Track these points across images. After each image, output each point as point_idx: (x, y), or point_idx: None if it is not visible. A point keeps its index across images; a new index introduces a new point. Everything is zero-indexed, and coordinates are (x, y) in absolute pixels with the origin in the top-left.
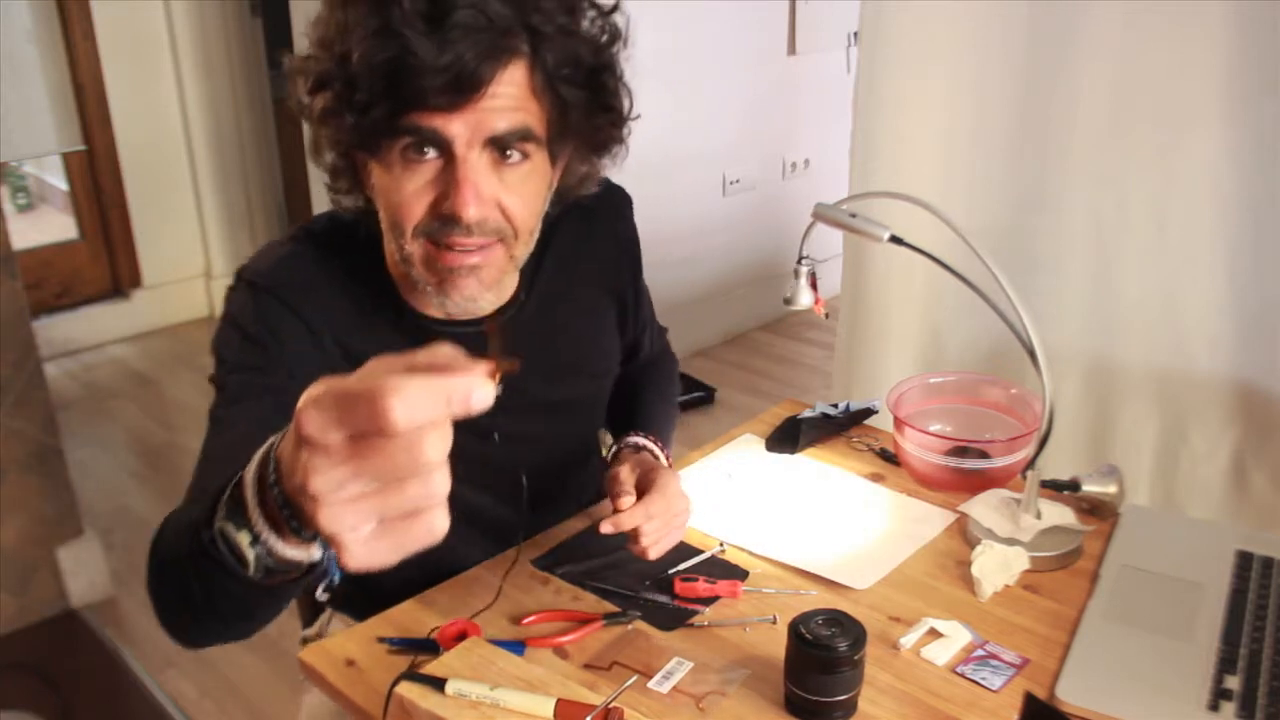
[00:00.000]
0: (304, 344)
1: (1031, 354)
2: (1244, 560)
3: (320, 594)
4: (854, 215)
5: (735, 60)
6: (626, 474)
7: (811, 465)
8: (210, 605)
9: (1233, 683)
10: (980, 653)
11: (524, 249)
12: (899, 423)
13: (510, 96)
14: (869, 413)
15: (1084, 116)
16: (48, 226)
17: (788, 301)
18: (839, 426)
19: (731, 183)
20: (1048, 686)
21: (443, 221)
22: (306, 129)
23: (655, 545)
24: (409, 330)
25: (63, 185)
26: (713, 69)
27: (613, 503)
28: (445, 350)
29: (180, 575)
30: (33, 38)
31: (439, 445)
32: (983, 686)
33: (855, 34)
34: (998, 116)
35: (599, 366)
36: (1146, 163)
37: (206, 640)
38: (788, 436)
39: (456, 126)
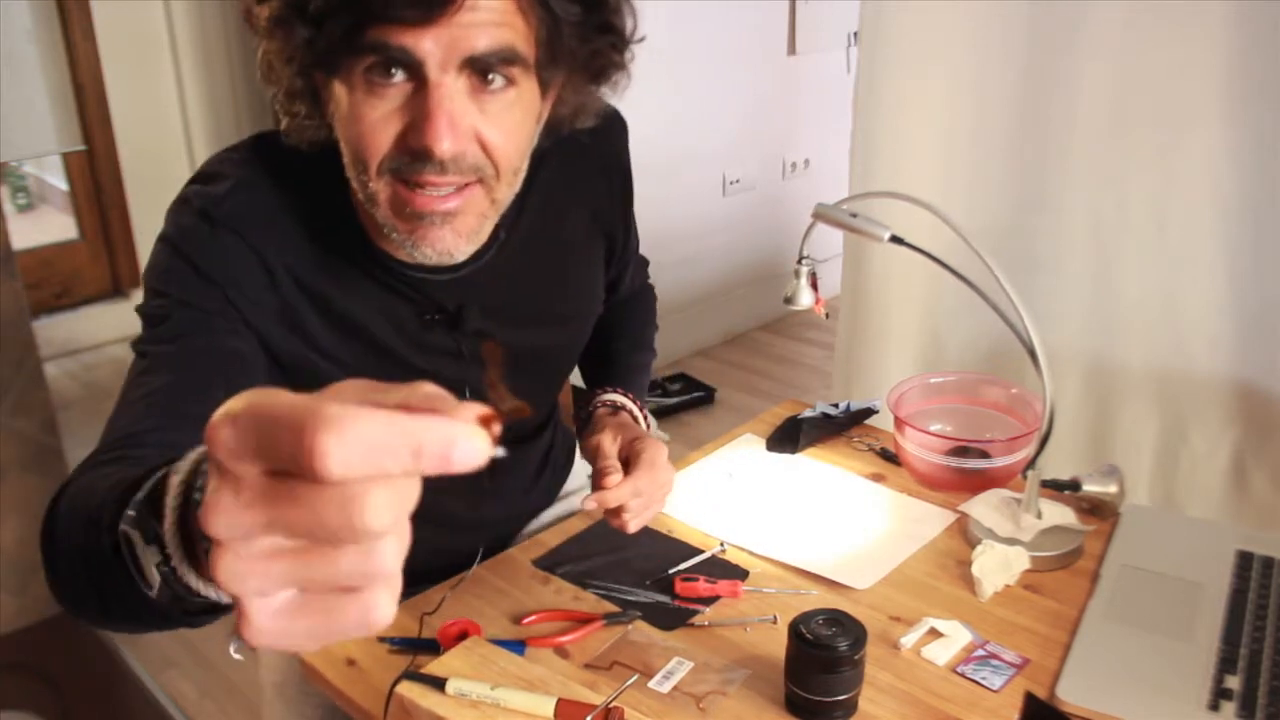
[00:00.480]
0: (262, 290)
1: (1032, 354)
2: (1244, 560)
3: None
4: (854, 215)
5: (735, 60)
6: (610, 445)
7: (812, 465)
8: (104, 604)
9: (1233, 682)
10: (981, 652)
11: (507, 190)
12: (899, 422)
13: (493, 10)
14: (869, 413)
15: (1084, 116)
16: (48, 226)
17: (788, 301)
18: (839, 426)
19: (731, 183)
20: (1048, 686)
21: (413, 157)
22: (260, 46)
23: (637, 519)
24: (378, 278)
25: (63, 185)
26: (713, 69)
27: (599, 478)
28: (427, 389)
29: (74, 559)
30: (33, 38)
31: (388, 507)
32: (983, 686)
33: (855, 34)
34: (998, 116)
35: (582, 309)
36: (1146, 163)
37: (113, 629)
38: (788, 436)
39: (428, 44)
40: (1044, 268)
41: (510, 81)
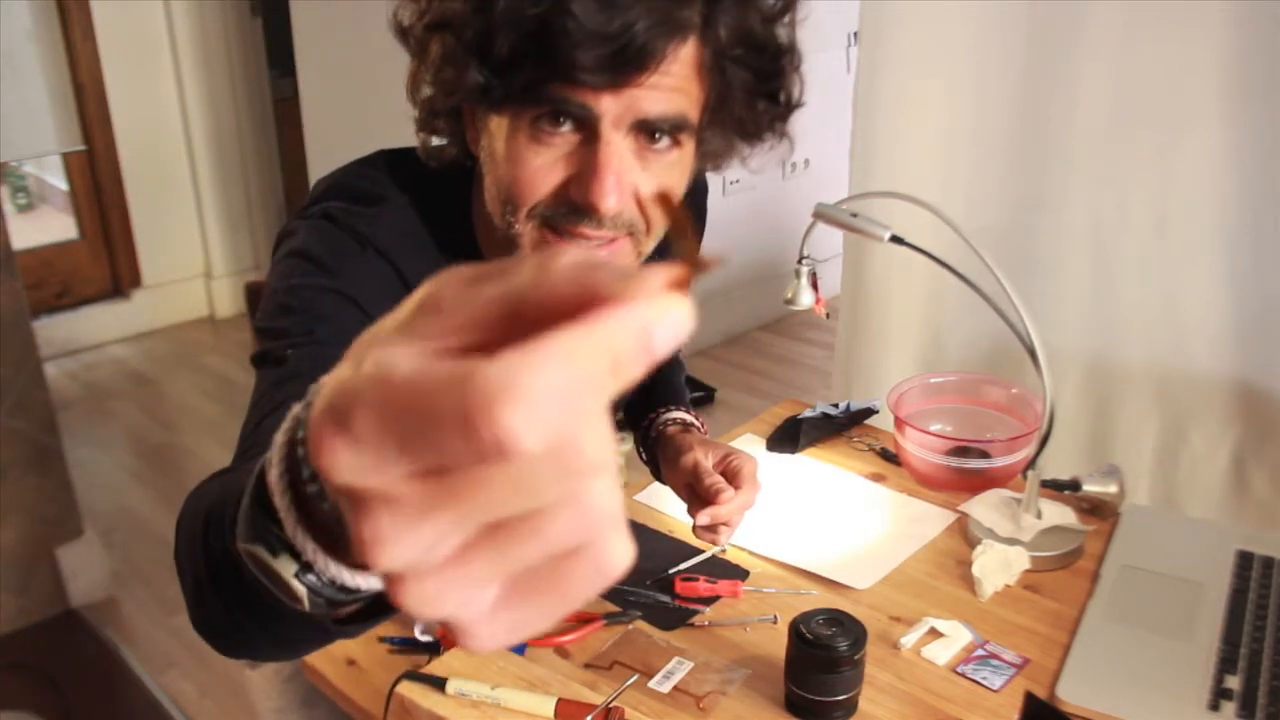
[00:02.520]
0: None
1: (1032, 354)
2: (1244, 560)
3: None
4: (854, 215)
5: None
6: (707, 462)
7: (812, 465)
8: (243, 632)
9: (1233, 682)
10: (981, 652)
11: (651, 244)
12: (899, 422)
13: (674, 76)
14: (869, 413)
15: (1084, 116)
16: (48, 226)
17: (788, 301)
18: (839, 426)
19: (731, 183)
20: (1048, 686)
21: (571, 208)
22: (410, 63)
23: (731, 533)
24: None
25: (63, 185)
26: None
27: (711, 496)
28: (568, 261)
29: (200, 586)
30: (33, 38)
31: (595, 444)
32: (983, 686)
33: (855, 34)
34: (998, 116)
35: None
36: (1146, 163)
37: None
38: (788, 436)
39: (608, 104)
40: (1044, 268)
41: (676, 144)
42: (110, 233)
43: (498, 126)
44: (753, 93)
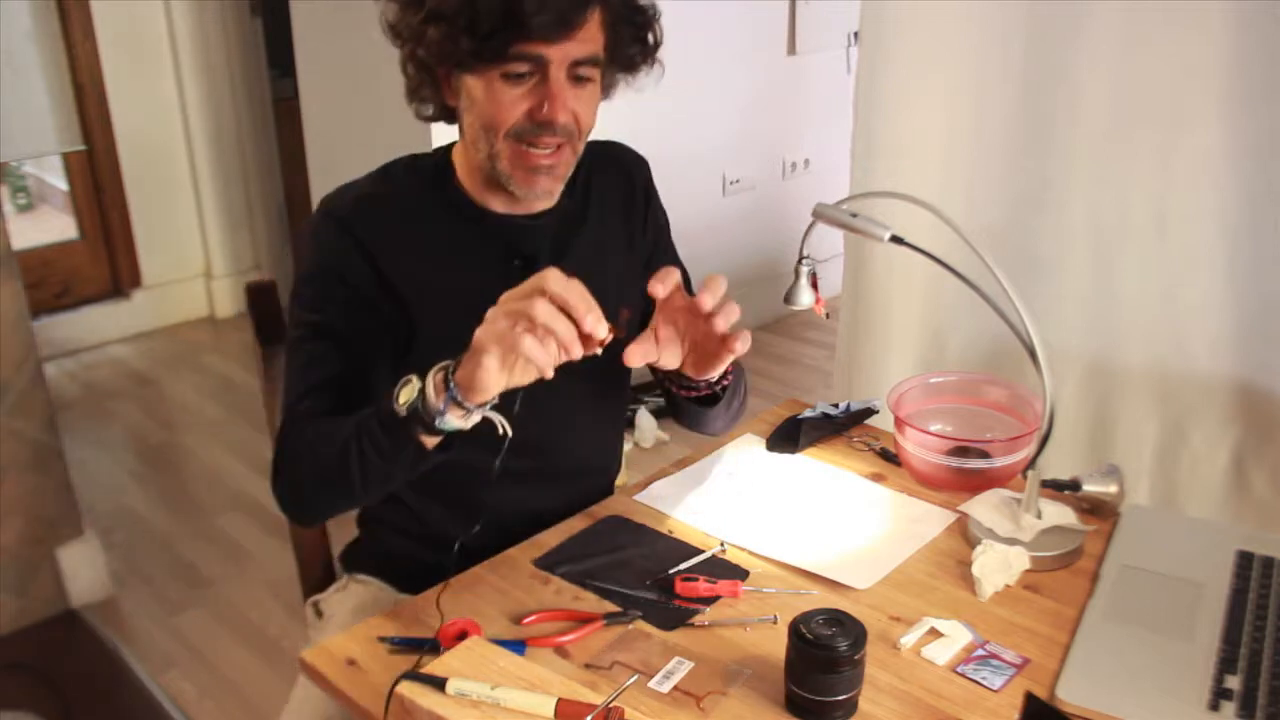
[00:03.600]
0: (368, 277)
1: (1032, 354)
2: (1244, 560)
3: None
4: (854, 215)
5: (735, 60)
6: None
7: (812, 465)
8: (365, 483)
9: (1233, 682)
10: (981, 652)
11: (582, 146)
12: (899, 422)
13: (589, 30)
14: (869, 413)
15: (1084, 116)
16: (48, 226)
17: (788, 301)
18: (839, 426)
19: (731, 183)
20: (1048, 686)
21: (535, 125)
22: (401, 49)
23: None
24: (483, 225)
25: (63, 185)
26: (713, 69)
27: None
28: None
29: (340, 459)
30: (33, 37)
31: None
32: (983, 686)
33: (855, 34)
34: (998, 116)
35: (609, 285)
36: (1146, 163)
37: (326, 510)
38: (788, 436)
39: (554, 53)
40: (1044, 268)
41: (590, 78)
42: (110, 233)
43: (473, 82)
44: (633, 39)
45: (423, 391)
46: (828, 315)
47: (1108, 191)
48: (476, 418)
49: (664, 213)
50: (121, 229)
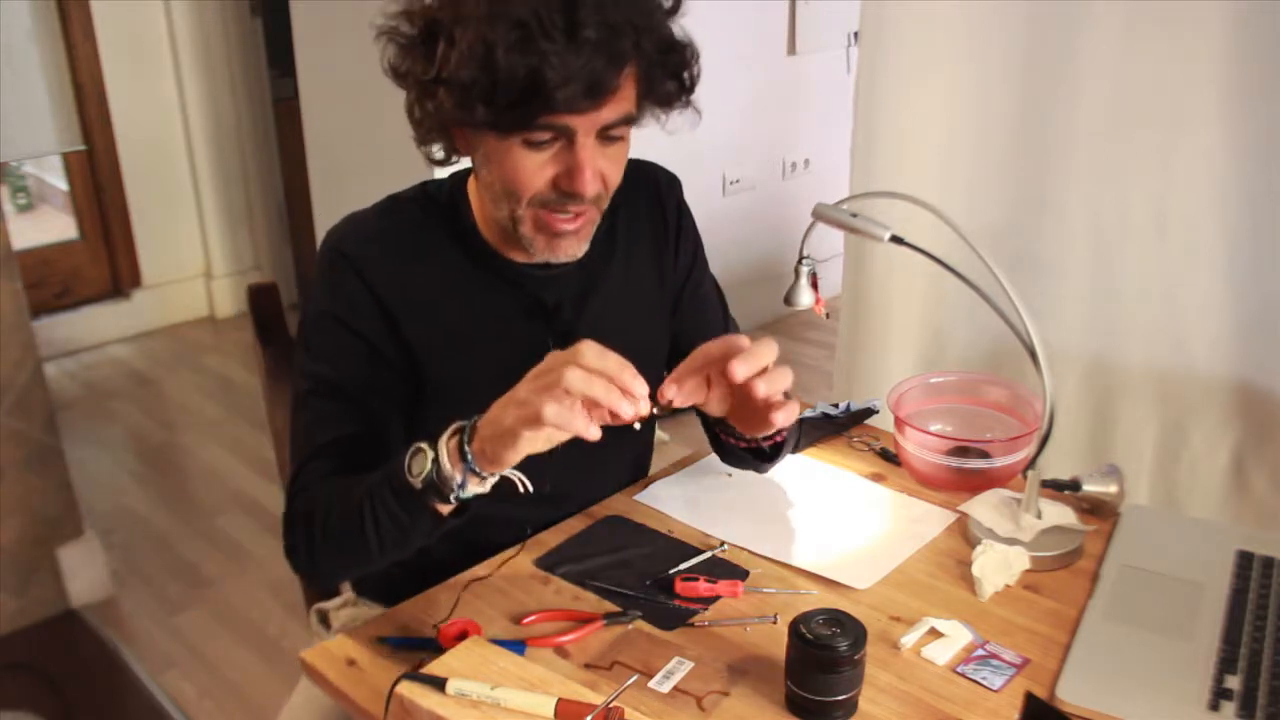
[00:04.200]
0: (376, 320)
1: (1032, 353)
2: (1244, 560)
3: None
4: (854, 215)
5: (735, 60)
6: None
7: (812, 465)
8: (381, 544)
9: (1233, 682)
10: (981, 652)
11: (608, 202)
12: (899, 422)
13: (622, 91)
14: (869, 413)
15: (1084, 117)
16: (48, 226)
17: (788, 301)
18: (839, 426)
19: (731, 183)
20: (1048, 686)
21: (560, 194)
22: (409, 94)
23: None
24: (500, 273)
25: (63, 185)
26: (713, 69)
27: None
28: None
29: (352, 526)
30: (33, 38)
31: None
32: (983, 686)
33: (855, 34)
34: (998, 116)
35: (641, 321)
36: (1146, 163)
37: (341, 575)
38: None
39: (581, 121)
40: (1044, 268)
41: (622, 136)
42: (110, 233)
43: (492, 143)
44: (668, 77)
45: (436, 463)
46: (828, 315)
47: (1108, 191)
48: (495, 479)
49: (697, 234)
50: (121, 229)
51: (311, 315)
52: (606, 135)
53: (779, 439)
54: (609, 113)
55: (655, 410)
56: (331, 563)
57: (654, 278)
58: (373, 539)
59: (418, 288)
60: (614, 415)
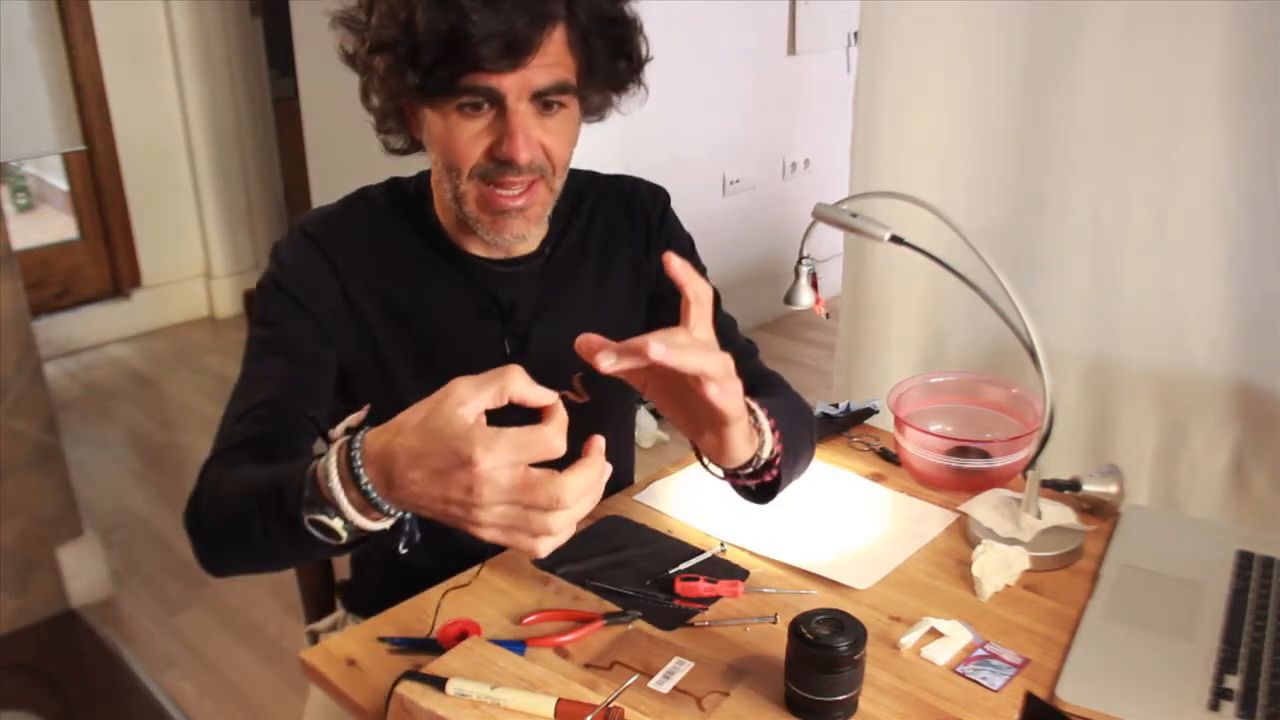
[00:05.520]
0: (336, 298)
1: (1032, 353)
2: (1244, 560)
3: (402, 548)
4: (854, 215)
5: (735, 60)
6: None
7: (812, 465)
8: (272, 556)
9: (1233, 682)
10: (981, 652)
11: (559, 181)
12: (899, 422)
13: (552, 54)
14: (869, 413)
15: (1084, 116)
16: (48, 226)
17: (788, 301)
18: (839, 426)
19: (731, 183)
20: (1048, 686)
21: (497, 163)
22: (360, 79)
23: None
24: (459, 267)
25: (63, 185)
26: (713, 69)
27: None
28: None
29: (242, 530)
30: (33, 38)
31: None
32: (983, 686)
33: (855, 34)
34: (998, 116)
35: (610, 332)
36: (1146, 163)
37: (238, 573)
38: None
39: (508, 83)
40: (1044, 268)
41: (563, 105)
42: (110, 233)
43: (431, 117)
44: (612, 56)
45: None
46: (828, 315)
47: (1108, 191)
48: (389, 523)
49: (687, 242)
50: (121, 229)
51: (266, 285)
52: (543, 102)
53: (768, 476)
54: (539, 76)
55: (574, 398)
56: (221, 554)
57: (630, 286)
58: (261, 542)
59: (374, 270)
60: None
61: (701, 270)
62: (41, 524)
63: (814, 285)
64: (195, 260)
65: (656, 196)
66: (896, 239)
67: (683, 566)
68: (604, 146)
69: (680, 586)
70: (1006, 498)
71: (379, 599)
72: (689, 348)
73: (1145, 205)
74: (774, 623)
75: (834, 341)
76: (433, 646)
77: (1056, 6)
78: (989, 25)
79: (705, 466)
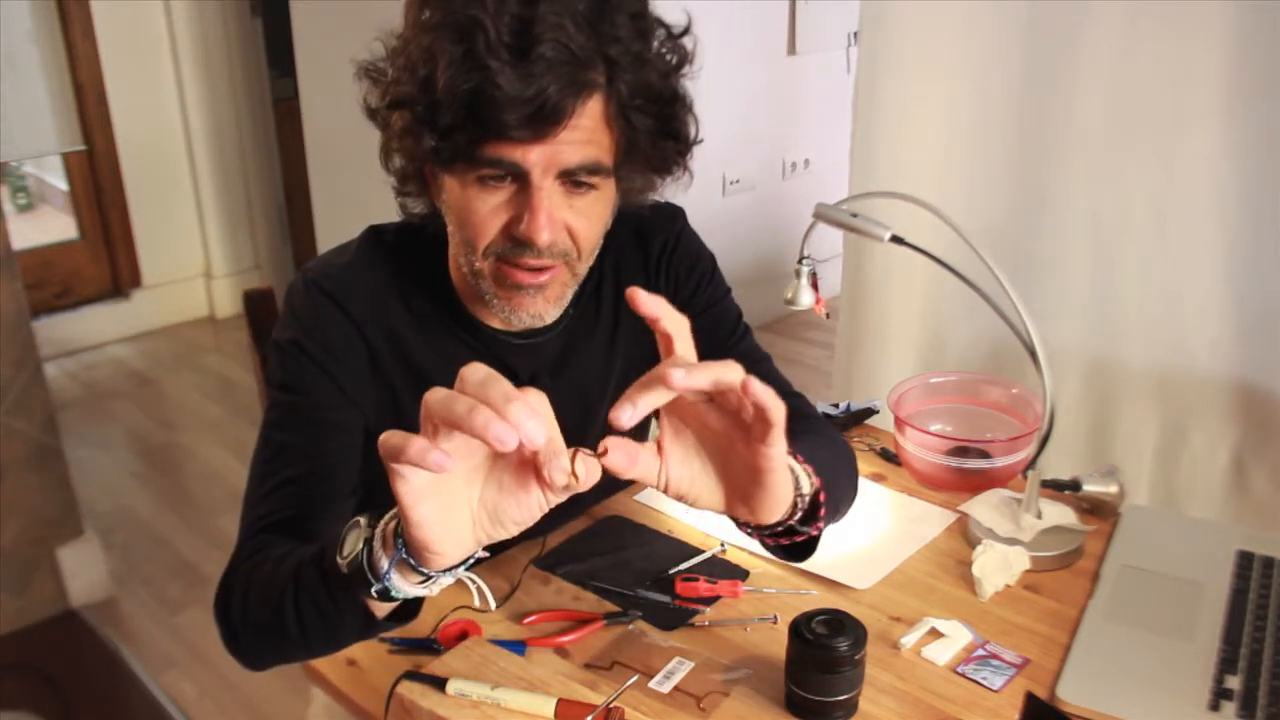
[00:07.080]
0: (362, 362)
1: (1032, 353)
2: (1244, 560)
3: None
4: (854, 215)
5: (735, 60)
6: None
7: None
8: (305, 635)
9: (1233, 682)
10: (981, 652)
11: (585, 265)
12: (900, 422)
13: (585, 129)
14: (870, 413)
15: (1084, 116)
16: (48, 226)
17: (788, 301)
18: (840, 426)
19: (731, 183)
20: (1048, 686)
21: (515, 243)
22: (381, 136)
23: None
24: (471, 340)
25: (63, 185)
26: (713, 69)
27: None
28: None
29: (280, 621)
30: (33, 38)
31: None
32: (983, 686)
33: (855, 34)
34: (998, 116)
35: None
36: (1146, 163)
37: (276, 664)
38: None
39: (534, 157)
40: (1044, 268)
41: (593, 186)
42: (110, 233)
43: (451, 184)
44: (656, 135)
45: (369, 543)
46: (828, 315)
47: (1108, 191)
48: (443, 584)
49: (701, 269)
50: (121, 229)
51: (286, 347)
52: (572, 181)
53: (816, 529)
54: (569, 153)
55: (593, 462)
56: (258, 646)
57: (639, 331)
58: (295, 629)
59: (397, 335)
60: (548, 485)
61: (725, 292)
62: (41, 524)
63: (814, 285)
64: (195, 260)
65: (665, 220)
66: (896, 239)
67: (683, 566)
68: None
69: (680, 586)
70: (1007, 498)
71: None
72: (699, 365)
73: (1145, 205)
74: (774, 623)
75: (834, 341)
76: (433, 647)
77: (1056, 7)
78: (989, 25)
79: (749, 533)
